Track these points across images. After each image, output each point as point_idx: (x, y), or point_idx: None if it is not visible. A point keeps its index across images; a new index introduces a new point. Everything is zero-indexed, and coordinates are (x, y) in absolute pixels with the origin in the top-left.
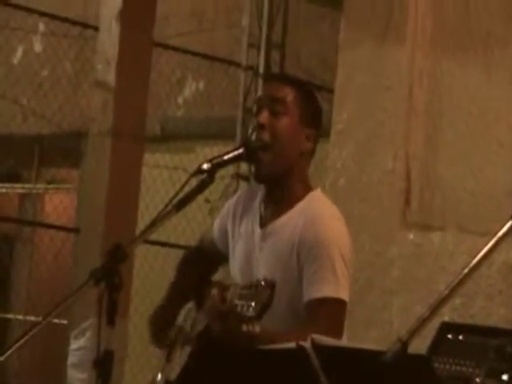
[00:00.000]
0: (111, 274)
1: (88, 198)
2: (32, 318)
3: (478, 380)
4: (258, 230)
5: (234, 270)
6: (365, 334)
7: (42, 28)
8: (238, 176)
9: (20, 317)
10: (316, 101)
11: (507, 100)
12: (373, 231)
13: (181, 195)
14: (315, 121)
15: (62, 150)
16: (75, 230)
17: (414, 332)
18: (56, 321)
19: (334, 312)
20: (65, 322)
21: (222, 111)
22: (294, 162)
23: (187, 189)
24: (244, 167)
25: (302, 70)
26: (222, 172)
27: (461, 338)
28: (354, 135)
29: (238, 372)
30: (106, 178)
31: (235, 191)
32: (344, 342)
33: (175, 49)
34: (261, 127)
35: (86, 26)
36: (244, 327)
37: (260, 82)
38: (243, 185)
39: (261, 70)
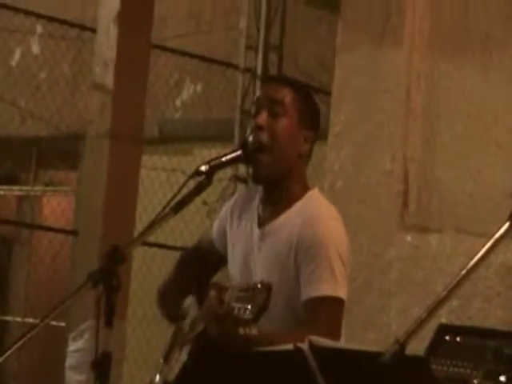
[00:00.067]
0: (109, 276)
1: (86, 200)
2: (30, 320)
3: (475, 382)
4: (256, 231)
5: (233, 270)
6: (363, 336)
7: (39, 30)
8: (236, 178)
9: (18, 319)
10: (314, 102)
11: (505, 101)
12: (371, 233)
13: (179, 197)
14: (313, 123)
15: (59, 152)
16: (73, 232)
17: (411, 333)
18: (54, 323)
19: (333, 310)
20: (63, 323)
21: (219, 113)
22: (292, 164)
23: (185, 191)
24: (242, 169)
25: (299, 72)
26: (219, 174)
27: (458, 339)
28: (351, 137)
29: (236, 374)
30: (103, 180)
31: (233, 193)
32: (342, 343)
33: (173, 51)
34: (259, 129)
35: (83, 28)
36: (241, 330)
37: (258, 84)
38: (241, 187)
39: (259, 72)
